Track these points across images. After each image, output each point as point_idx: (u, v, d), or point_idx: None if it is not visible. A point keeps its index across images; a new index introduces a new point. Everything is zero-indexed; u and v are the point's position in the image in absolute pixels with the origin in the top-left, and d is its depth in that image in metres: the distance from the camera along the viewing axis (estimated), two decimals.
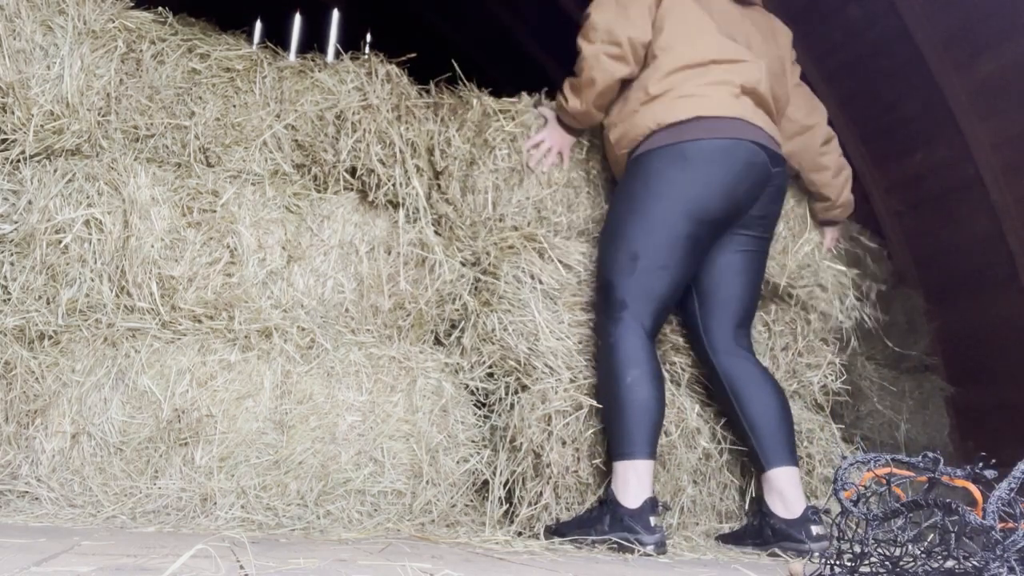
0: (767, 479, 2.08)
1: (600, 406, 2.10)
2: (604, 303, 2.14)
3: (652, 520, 1.89)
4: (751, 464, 2.20)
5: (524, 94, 2.60)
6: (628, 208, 2.14)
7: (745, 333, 2.25)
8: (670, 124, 2.13)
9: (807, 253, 2.65)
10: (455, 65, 2.57)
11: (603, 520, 1.91)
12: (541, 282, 2.34)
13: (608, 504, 1.94)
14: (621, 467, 1.96)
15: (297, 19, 7.85)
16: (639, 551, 1.83)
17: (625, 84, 2.27)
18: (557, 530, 1.98)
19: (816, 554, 1.89)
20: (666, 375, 2.34)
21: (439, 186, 2.51)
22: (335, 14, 7.78)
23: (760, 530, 2.06)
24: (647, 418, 1.98)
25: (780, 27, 2.43)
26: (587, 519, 1.95)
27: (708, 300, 2.23)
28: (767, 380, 2.16)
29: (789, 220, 2.65)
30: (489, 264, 2.41)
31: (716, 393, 2.25)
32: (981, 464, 1.11)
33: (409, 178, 2.36)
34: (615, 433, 2.00)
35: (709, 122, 2.12)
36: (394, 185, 2.35)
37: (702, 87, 2.15)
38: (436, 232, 2.46)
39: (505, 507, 2.17)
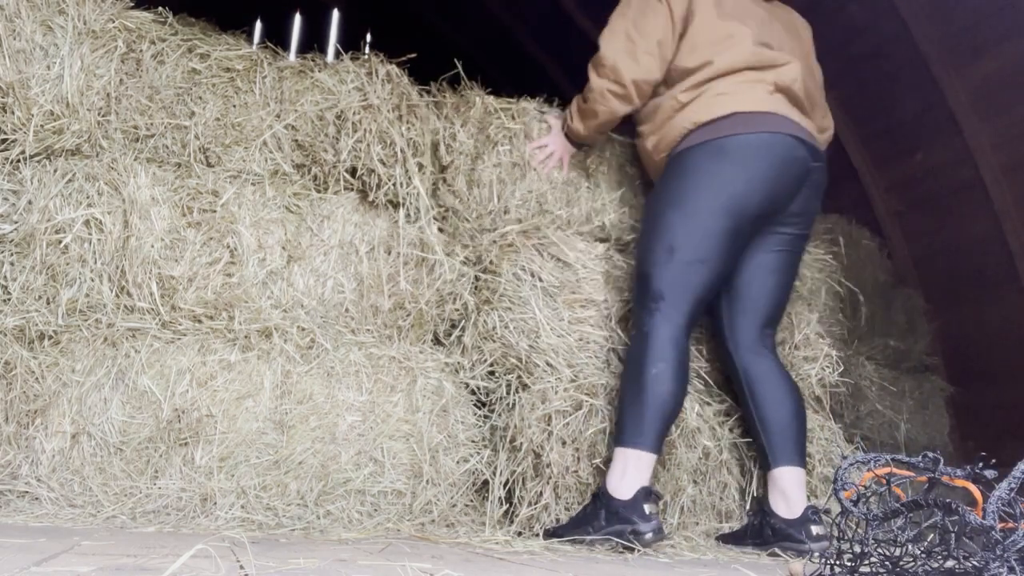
0: (772, 477, 2.09)
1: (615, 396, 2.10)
2: (640, 293, 2.13)
3: (647, 508, 1.88)
4: (758, 461, 2.20)
5: (527, 98, 2.61)
6: (667, 201, 2.15)
7: (771, 333, 2.26)
8: (707, 121, 2.13)
9: None
10: (458, 64, 2.59)
11: (599, 516, 1.91)
12: (541, 279, 2.34)
13: (601, 498, 1.93)
14: (622, 454, 1.96)
15: (297, 19, 7.85)
16: (637, 545, 1.83)
17: (655, 94, 2.29)
18: (555, 532, 1.98)
19: (816, 554, 1.89)
20: None
21: (444, 179, 2.54)
22: (335, 14, 7.78)
23: (760, 529, 2.06)
24: (662, 413, 1.97)
25: (801, 21, 2.43)
26: (582, 517, 1.95)
27: (738, 297, 2.23)
28: (785, 380, 2.17)
29: None
30: (489, 262, 2.42)
31: (733, 388, 2.26)
32: (981, 464, 1.11)
33: (410, 177, 2.36)
34: (627, 419, 1.99)
35: (746, 117, 2.12)
36: (394, 185, 2.36)
37: (736, 85, 2.16)
38: (440, 228, 2.48)
39: (505, 507, 2.17)
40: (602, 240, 2.57)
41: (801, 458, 2.10)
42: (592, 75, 2.31)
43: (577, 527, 1.94)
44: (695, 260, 2.08)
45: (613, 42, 2.26)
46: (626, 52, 2.23)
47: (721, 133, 2.11)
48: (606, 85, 2.27)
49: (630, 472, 1.92)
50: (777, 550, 1.99)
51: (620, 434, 1.99)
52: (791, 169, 2.13)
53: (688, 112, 2.18)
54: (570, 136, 2.52)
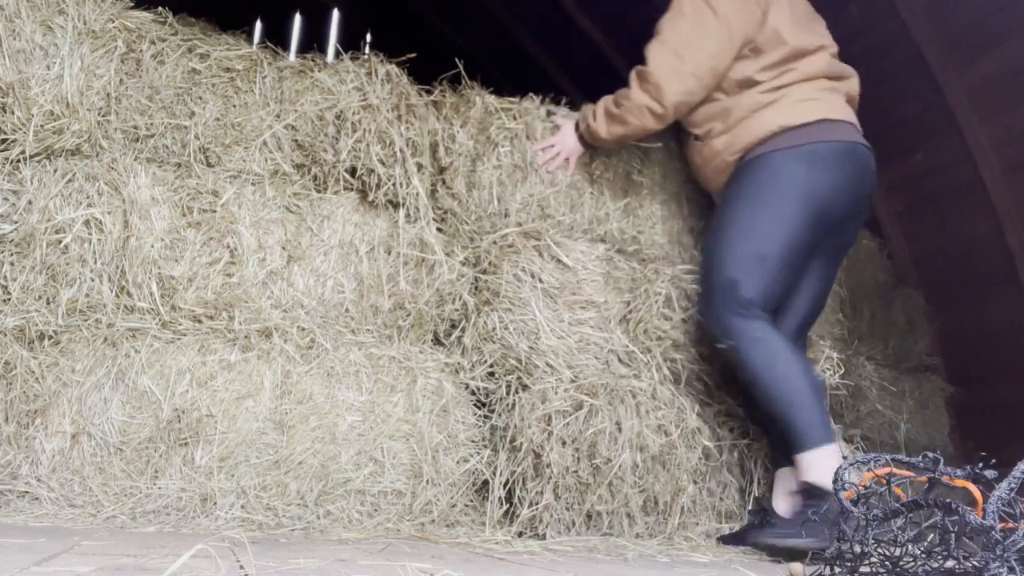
0: (782, 474, 2.09)
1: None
2: (727, 301, 2.09)
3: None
4: (770, 457, 2.21)
5: (530, 97, 2.59)
6: (755, 205, 2.11)
7: (804, 334, 2.29)
8: (796, 125, 2.12)
9: None
10: (458, 63, 2.57)
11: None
12: (541, 281, 2.34)
13: (817, 498, 1.90)
14: (815, 455, 1.93)
15: (297, 19, 7.85)
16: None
17: (718, 93, 2.24)
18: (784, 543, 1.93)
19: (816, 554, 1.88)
20: (667, 373, 2.34)
21: (443, 181, 2.52)
22: (335, 14, 7.77)
23: (761, 529, 2.06)
24: (818, 403, 1.98)
25: (815, 12, 2.42)
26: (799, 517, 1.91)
27: (785, 299, 2.24)
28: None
29: None
30: (489, 263, 2.41)
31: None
32: (981, 464, 1.11)
33: (409, 178, 2.36)
34: (793, 426, 1.97)
35: (832, 124, 2.14)
36: (394, 185, 2.35)
37: (818, 92, 2.16)
38: (439, 229, 2.47)
39: (505, 507, 2.17)
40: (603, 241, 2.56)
41: None
42: (634, 86, 2.24)
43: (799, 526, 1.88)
44: (784, 266, 2.09)
45: (662, 57, 2.19)
46: (673, 71, 2.17)
47: (811, 139, 2.11)
48: (646, 101, 2.22)
49: (832, 466, 1.88)
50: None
51: (796, 443, 1.97)
52: (866, 179, 2.17)
53: (771, 114, 2.14)
54: (586, 137, 2.44)
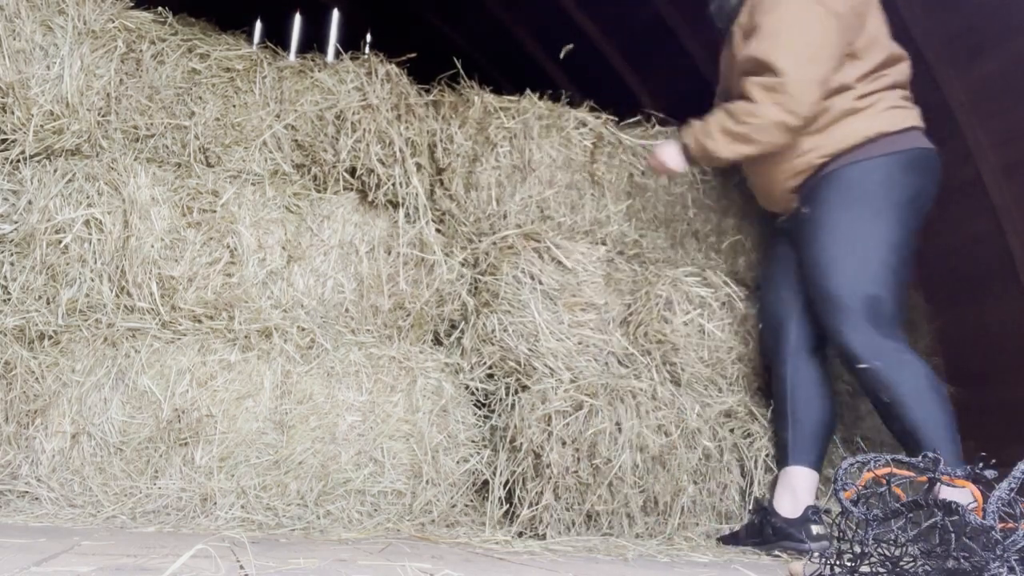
0: (787, 473, 2.10)
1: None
2: (874, 319, 2.03)
3: None
4: (775, 455, 2.22)
5: (530, 96, 2.57)
6: (876, 217, 2.08)
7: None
8: (894, 132, 2.12)
9: None
10: (456, 62, 2.56)
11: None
12: (541, 283, 2.34)
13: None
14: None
15: (297, 19, 7.84)
16: None
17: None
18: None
19: (816, 554, 1.89)
20: (666, 375, 2.34)
21: (442, 182, 2.51)
22: (335, 14, 7.77)
23: (760, 528, 2.06)
24: (956, 431, 2.00)
25: None
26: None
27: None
28: (829, 387, 2.23)
29: (769, 227, 2.70)
30: (488, 265, 2.40)
31: (771, 380, 2.31)
32: (981, 464, 1.11)
33: (409, 178, 2.36)
34: (953, 439, 1.97)
35: (920, 133, 2.16)
36: (394, 185, 2.35)
37: (905, 100, 2.18)
38: (438, 230, 2.46)
39: (505, 507, 2.17)
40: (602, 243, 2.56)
41: (819, 464, 2.13)
42: (763, 100, 2.05)
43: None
44: (905, 277, 2.11)
45: (799, 65, 2.02)
46: (809, 80, 2.03)
47: (910, 145, 2.12)
48: (780, 116, 2.05)
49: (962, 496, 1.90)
50: (777, 550, 1.99)
51: (953, 456, 1.94)
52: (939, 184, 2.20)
53: (865, 120, 2.11)
54: (698, 156, 2.22)
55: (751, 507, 2.23)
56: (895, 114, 2.13)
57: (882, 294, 2.03)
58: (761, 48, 2.07)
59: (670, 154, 2.27)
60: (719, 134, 2.14)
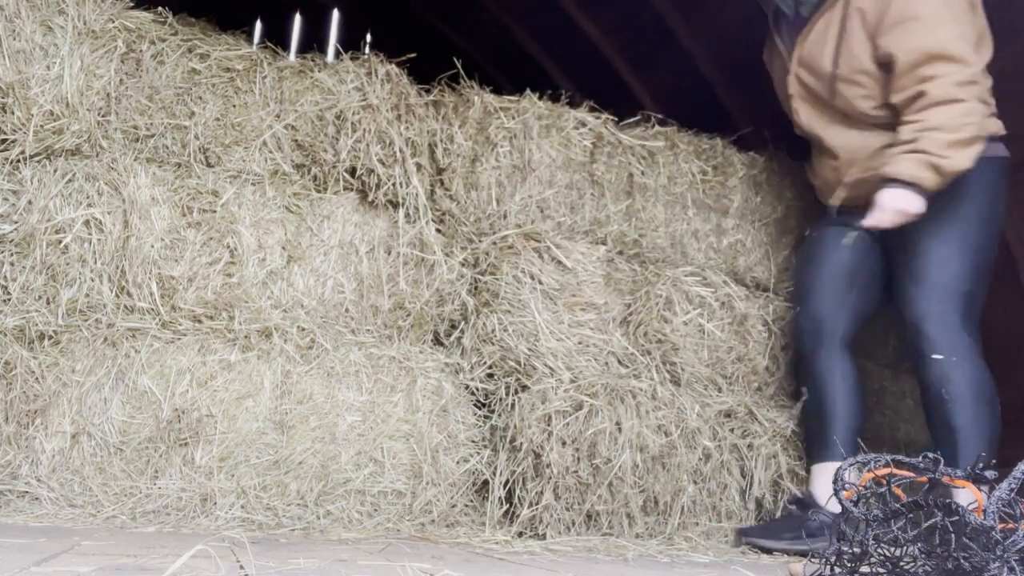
0: (822, 470, 2.10)
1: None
2: (966, 313, 2.08)
3: None
4: (808, 450, 2.25)
5: (530, 96, 2.57)
6: (982, 217, 2.12)
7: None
8: (999, 136, 2.13)
9: (785, 256, 2.71)
10: (456, 63, 2.56)
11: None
12: (541, 282, 2.34)
13: None
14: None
15: (297, 19, 7.84)
16: None
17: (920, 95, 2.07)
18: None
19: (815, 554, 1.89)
20: (666, 375, 2.35)
21: (442, 182, 2.51)
22: (335, 14, 7.77)
23: (801, 522, 2.04)
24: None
25: None
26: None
27: (872, 309, 2.32)
28: (862, 387, 2.28)
29: (769, 227, 2.70)
30: (488, 265, 2.40)
31: (800, 377, 2.37)
32: (981, 464, 1.11)
33: (409, 178, 2.36)
34: (971, 453, 1.93)
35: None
36: (394, 185, 2.35)
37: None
38: (438, 230, 2.46)
39: (505, 507, 2.17)
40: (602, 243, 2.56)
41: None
42: (967, 96, 1.99)
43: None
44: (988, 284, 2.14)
45: (975, 52, 2.03)
46: (978, 64, 2.03)
47: (1005, 152, 2.15)
48: (979, 107, 2.02)
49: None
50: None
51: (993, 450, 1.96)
52: None
53: (993, 117, 2.13)
54: (936, 184, 2.03)
55: (788, 499, 2.22)
56: (995, 118, 2.14)
57: (977, 292, 2.08)
58: (934, 39, 2.01)
59: (903, 200, 2.04)
60: (950, 150, 1.99)
